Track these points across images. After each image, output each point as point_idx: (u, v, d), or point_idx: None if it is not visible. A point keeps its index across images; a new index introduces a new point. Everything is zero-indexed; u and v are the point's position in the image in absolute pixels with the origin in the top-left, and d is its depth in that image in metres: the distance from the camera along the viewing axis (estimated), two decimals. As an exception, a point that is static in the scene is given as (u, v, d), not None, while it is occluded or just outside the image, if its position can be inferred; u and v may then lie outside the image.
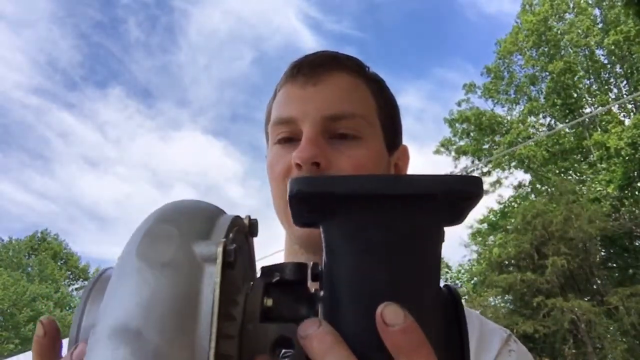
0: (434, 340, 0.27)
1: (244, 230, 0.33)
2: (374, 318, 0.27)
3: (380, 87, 0.70)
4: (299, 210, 0.31)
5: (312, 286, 0.32)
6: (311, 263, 0.33)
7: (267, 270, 0.32)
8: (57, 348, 0.32)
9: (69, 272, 26.69)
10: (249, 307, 0.30)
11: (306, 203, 0.30)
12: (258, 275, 0.33)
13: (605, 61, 16.54)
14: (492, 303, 13.45)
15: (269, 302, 0.30)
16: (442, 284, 0.32)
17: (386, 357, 0.27)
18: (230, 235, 0.29)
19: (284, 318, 0.30)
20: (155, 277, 0.25)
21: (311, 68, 0.66)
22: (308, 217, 0.31)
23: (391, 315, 0.27)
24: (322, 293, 0.31)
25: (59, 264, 26.30)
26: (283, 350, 0.30)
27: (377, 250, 0.29)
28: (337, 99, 0.63)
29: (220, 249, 0.26)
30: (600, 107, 15.66)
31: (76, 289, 26.58)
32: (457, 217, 0.31)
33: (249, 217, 0.33)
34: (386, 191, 0.29)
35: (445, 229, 0.31)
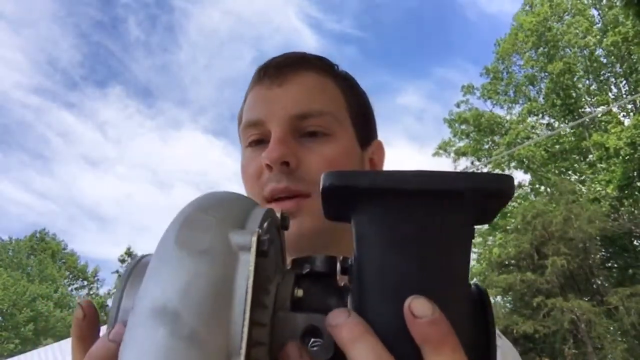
0: (459, 335, 0.27)
1: (277, 223, 0.33)
2: (402, 310, 0.27)
3: (349, 84, 0.70)
4: (330, 203, 0.31)
5: (341, 280, 0.33)
6: (341, 257, 0.33)
7: (298, 262, 0.33)
8: (95, 330, 0.33)
9: (68, 272, 26.64)
10: (280, 296, 0.30)
11: (337, 196, 0.30)
12: (288, 267, 0.34)
13: (605, 61, 16.54)
14: (492, 303, 13.43)
15: (299, 292, 0.31)
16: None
17: (414, 348, 0.27)
18: (264, 225, 0.29)
19: (313, 309, 0.30)
20: (193, 264, 0.26)
21: (277, 69, 0.66)
22: (339, 210, 0.31)
23: (419, 308, 0.27)
24: (351, 286, 0.31)
25: (58, 264, 26.26)
26: (312, 340, 0.30)
27: (406, 244, 0.29)
28: (304, 98, 0.63)
29: (254, 238, 0.27)
30: (600, 107, 15.66)
31: (76, 288, 26.55)
32: (486, 216, 0.31)
33: (282, 211, 0.34)
34: (416, 186, 0.29)
35: None
